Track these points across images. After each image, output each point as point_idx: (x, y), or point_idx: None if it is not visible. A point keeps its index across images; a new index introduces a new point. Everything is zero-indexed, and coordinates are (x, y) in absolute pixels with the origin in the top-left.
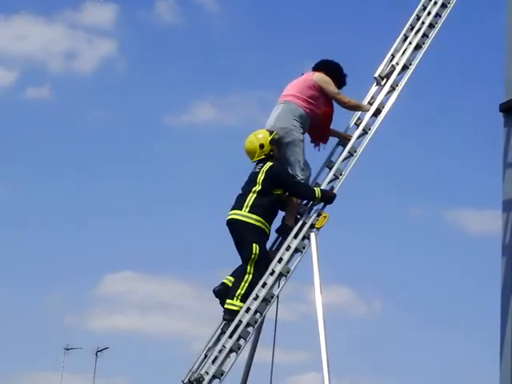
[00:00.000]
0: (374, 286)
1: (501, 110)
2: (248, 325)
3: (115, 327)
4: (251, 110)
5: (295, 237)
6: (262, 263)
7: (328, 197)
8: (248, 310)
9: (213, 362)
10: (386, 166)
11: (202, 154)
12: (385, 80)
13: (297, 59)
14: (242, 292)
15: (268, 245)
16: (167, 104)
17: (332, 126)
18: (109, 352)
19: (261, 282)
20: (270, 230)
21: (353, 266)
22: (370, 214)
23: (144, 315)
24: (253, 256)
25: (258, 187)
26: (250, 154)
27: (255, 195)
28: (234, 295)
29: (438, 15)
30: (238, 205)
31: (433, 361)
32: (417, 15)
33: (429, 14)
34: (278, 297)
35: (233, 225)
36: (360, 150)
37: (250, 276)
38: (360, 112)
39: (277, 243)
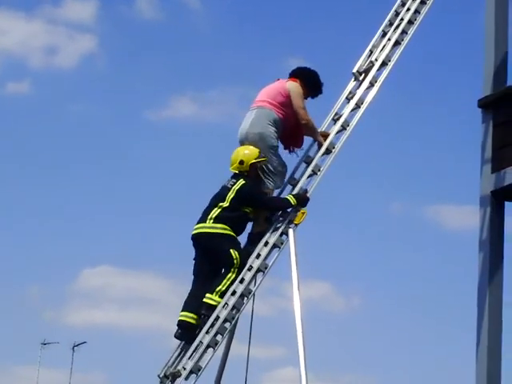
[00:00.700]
0: (352, 281)
1: (479, 106)
2: (225, 320)
3: (93, 322)
4: (231, 106)
5: (273, 231)
6: (242, 266)
7: (302, 200)
8: (225, 305)
9: (189, 357)
10: (366, 162)
11: (182, 149)
12: (363, 75)
13: (277, 56)
14: (223, 289)
15: None
16: (147, 99)
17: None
18: (86, 347)
19: (239, 278)
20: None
21: (332, 262)
22: (349, 209)
23: (122, 310)
24: (235, 261)
25: (225, 204)
26: (231, 162)
27: (220, 210)
28: (214, 290)
29: (417, 12)
30: (203, 219)
31: (410, 355)
32: (395, 11)
33: (408, 10)
34: (254, 294)
35: (198, 239)
36: (339, 146)
37: (233, 275)
38: (338, 107)
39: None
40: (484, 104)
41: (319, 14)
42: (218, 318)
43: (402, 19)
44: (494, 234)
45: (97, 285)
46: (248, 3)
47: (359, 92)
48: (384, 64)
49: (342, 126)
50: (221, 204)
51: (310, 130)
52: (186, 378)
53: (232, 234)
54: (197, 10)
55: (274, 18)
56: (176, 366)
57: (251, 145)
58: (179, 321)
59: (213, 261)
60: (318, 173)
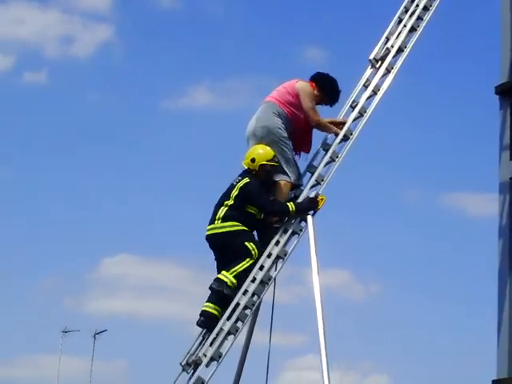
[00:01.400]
0: (371, 268)
1: (496, 93)
2: (246, 307)
3: (113, 310)
4: (248, 96)
5: (292, 219)
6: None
7: (307, 207)
8: (245, 292)
9: (211, 344)
10: (383, 149)
11: (199, 137)
12: (380, 62)
13: (295, 45)
14: (240, 270)
15: None
16: (164, 88)
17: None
18: (107, 335)
19: (258, 265)
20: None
21: (350, 250)
22: (367, 197)
23: (142, 298)
24: (253, 253)
25: (230, 201)
26: (245, 156)
27: (227, 208)
28: (230, 268)
29: None
30: (212, 220)
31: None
32: None
33: None
34: (275, 279)
35: (211, 241)
36: (356, 133)
37: (251, 262)
38: (355, 94)
39: None
40: (501, 91)
41: (336, 2)
42: (238, 304)
43: (417, 5)
44: None
45: (116, 273)
46: None
47: (376, 79)
48: (400, 50)
49: (359, 112)
50: (226, 202)
51: (323, 129)
52: (207, 365)
53: (243, 228)
54: None
55: (291, 7)
56: (197, 354)
57: (261, 140)
58: (202, 310)
59: (231, 258)
60: (336, 159)
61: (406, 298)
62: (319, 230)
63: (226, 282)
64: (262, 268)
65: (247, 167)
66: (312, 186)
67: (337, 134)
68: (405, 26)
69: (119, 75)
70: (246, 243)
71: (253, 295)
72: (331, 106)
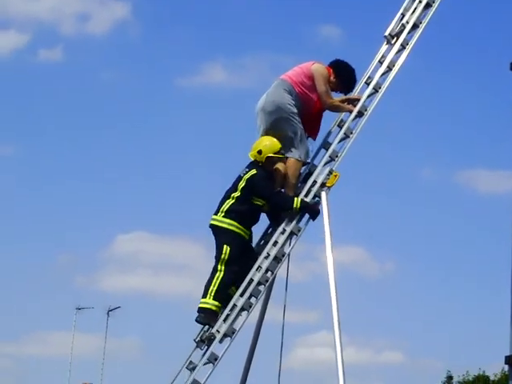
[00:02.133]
0: (386, 245)
1: (511, 69)
2: (259, 283)
3: (127, 287)
4: (263, 72)
5: (306, 195)
6: (233, 263)
7: (309, 210)
8: (259, 268)
9: (224, 320)
10: (397, 128)
11: (214, 114)
12: (395, 39)
13: (310, 22)
14: (215, 289)
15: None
16: (179, 66)
17: None
18: (121, 312)
19: (272, 241)
20: (249, 234)
21: (365, 227)
22: (382, 175)
23: (156, 275)
24: (222, 256)
25: (237, 193)
26: (252, 148)
27: (233, 201)
28: (207, 293)
29: None
30: (216, 210)
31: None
32: None
33: None
34: (289, 256)
35: (212, 229)
36: (371, 109)
37: (221, 273)
38: (371, 71)
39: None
40: None
41: None
42: (251, 280)
43: None
44: None
45: (131, 250)
46: None
47: (391, 55)
48: (415, 26)
49: (373, 88)
50: (233, 194)
51: (337, 109)
52: (221, 341)
53: (237, 231)
54: None
55: None
56: (211, 330)
57: (270, 116)
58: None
59: (217, 253)
60: (351, 135)
61: (420, 276)
62: (335, 207)
63: (210, 309)
64: (275, 244)
65: (254, 159)
66: (326, 163)
67: (351, 113)
68: (420, 1)
69: (134, 53)
70: (225, 245)
71: (266, 271)
72: (345, 95)
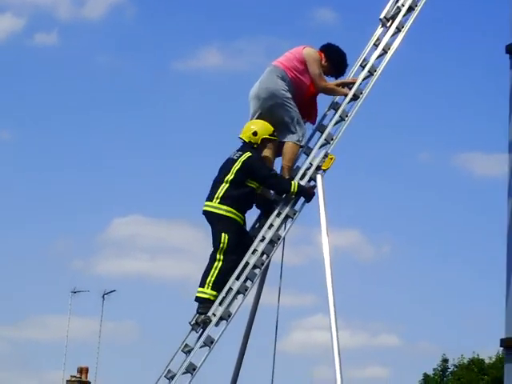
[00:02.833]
0: (382, 229)
1: (507, 52)
2: (255, 266)
3: (123, 271)
4: (258, 56)
5: (301, 178)
6: (231, 251)
7: (305, 193)
8: (255, 251)
9: (220, 303)
10: (394, 111)
11: (209, 98)
12: (390, 21)
13: (305, 5)
14: (213, 279)
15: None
16: (175, 50)
17: None
18: (116, 295)
19: (267, 224)
20: (244, 220)
21: (361, 210)
22: (378, 158)
23: (152, 259)
24: (221, 245)
25: (230, 176)
26: (243, 130)
27: (227, 185)
28: (205, 283)
29: None
30: (210, 196)
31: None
32: None
33: None
34: (284, 239)
35: (206, 217)
36: (366, 92)
37: (220, 263)
38: (366, 53)
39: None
40: None
41: None
42: (247, 264)
43: None
44: None
45: (127, 234)
46: None
47: (386, 38)
48: (411, 9)
49: (369, 71)
50: (227, 178)
51: (331, 93)
52: (217, 325)
53: (235, 217)
54: None
55: None
56: (207, 313)
57: (264, 102)
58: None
59: (213, 240)
60: (346, 118)
61: (415, 259)
62: (329, 190)
63: (209, 299)
64: (270, 227)
65: (248, 141)
66: (322, 146)
67: (346, 96)
68: None
69: (130, 37)
70: (223, 233)
71: (262, 254)
72: (336, 79)
